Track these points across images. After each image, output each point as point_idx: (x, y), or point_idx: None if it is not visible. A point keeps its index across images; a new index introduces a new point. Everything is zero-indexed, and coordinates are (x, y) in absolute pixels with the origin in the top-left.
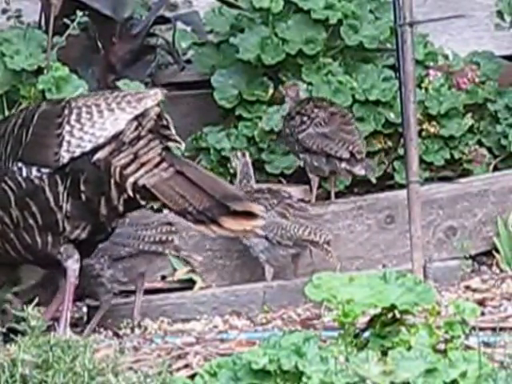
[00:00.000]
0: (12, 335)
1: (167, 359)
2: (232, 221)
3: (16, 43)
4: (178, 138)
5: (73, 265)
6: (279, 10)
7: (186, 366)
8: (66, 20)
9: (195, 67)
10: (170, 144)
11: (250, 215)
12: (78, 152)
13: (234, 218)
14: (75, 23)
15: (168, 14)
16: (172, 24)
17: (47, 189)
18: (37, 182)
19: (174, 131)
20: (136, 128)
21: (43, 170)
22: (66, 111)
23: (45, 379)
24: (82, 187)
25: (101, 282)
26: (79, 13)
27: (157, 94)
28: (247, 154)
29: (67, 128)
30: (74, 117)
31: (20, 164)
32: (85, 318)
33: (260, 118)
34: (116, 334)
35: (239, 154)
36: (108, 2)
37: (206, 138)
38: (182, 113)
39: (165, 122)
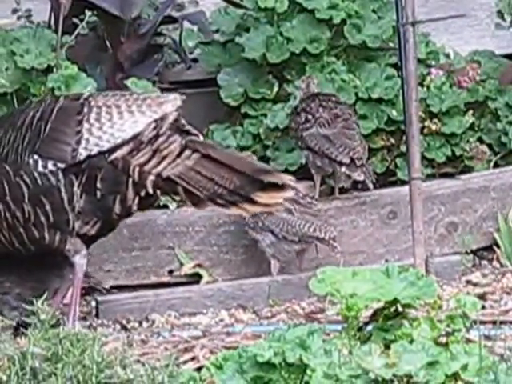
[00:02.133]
0: (22, 329)
1: (174, 352)
2: (265, 195)
3: (26, 42)
4: (196, 132)
5: (80, 260)
6: (284, 9)
7: (193, 358)
8: (74, 20)
9: (201, 66)
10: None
11: (278, 187)
12: (95, 150)
13: (266, 192)
14: (84, 23)
15: (175, 14)
16: (179, 23)
17: (61, 183)
18: (51, 176)
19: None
20: (154, 128)
21: (59, 164)
22: (86, 109)
23: (54, 372)
24: (99, 185)
25: (6, 300)
26: (88, 12)
27: (176, 100)
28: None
29: (86, 126)
30: (93, 115)
31: (36, 157)
32: (93, 312)
33: (265, 115)
34: (124, 328)
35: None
36: (116, 2)
37: (213, 136)
38: (188, 110)
39: (182, 122)
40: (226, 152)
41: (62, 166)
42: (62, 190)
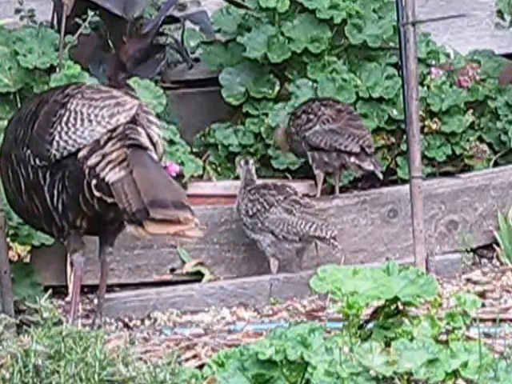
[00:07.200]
0: (25, 326)
1: (176, 350)
2: (155, 226)
3: (29, 42)
4: (143, 143)
5: (78, 258)
6: (285, 9)
7: (195, 356)
8: (77, 19)
9: (203, 65)
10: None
11: (171, 220)
12: (65, 153)
13: (157, 223)
14: (86, 23)
15: (177, 14)
16: (181, 23)
17: (46, 181)
18: (40, 172)
19: (143, 138)
20: (107, 135)
21: (43, 162)
22: (62, 111)
23: (57, 369)
24: (67, 183)
25: None
26: (90, 12)
27: (131, 110)
28: (250, 161)
29: (58, 129)
30: (65, 119)
31: (29, 152)
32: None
33: (266, 114)
34: (126, 326)
35: (242, 161)
36: (118, 2)
37: (214, 135)
38: (190, 110)
39: (137, 128)
40: (148, 173)
41: (45, 163)
42: (45, 189)
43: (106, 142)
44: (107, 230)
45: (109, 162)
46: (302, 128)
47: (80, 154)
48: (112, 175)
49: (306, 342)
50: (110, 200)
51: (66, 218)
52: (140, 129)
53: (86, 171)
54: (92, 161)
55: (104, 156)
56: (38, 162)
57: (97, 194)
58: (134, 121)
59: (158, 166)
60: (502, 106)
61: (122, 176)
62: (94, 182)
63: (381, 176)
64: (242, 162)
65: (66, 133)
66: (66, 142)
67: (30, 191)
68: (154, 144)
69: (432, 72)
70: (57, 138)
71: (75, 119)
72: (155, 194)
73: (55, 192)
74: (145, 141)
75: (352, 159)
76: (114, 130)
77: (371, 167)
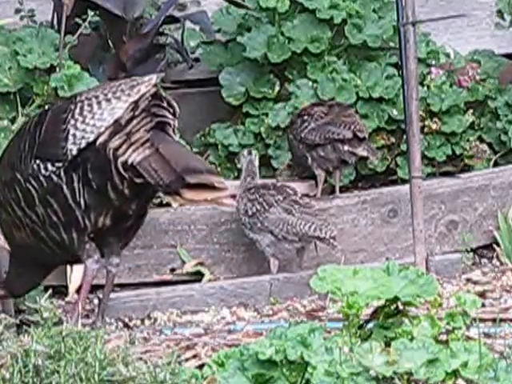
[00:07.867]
0: (25, 326)
1: (176, 350)
2: (192, 192)
3: (29, 42)
4: (168, 118)
5: (91, 265)
6: (285, 9)
7: (195, 356)
8: (77, 19)
9: (203, 65)
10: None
11: (208, 186)
12: (83, 143)
13: (193, 190)
14: (86, 23)
15: (177, 14)
16: (181, 23)
17: (63, 182)
18: (54, 177)
19: (167, 112)
20: (131, 110)
21: (57, 164)
22: (72, 106)
23: (57, 369)
24: (90, 175)
25: None
26: (90, 12)
27: (151, 80)
28: (254, 152)
29: (72, 122)
30: (77, 110)
31: (38, 161)
32: (96, 310)
33: (266, 114)
34: (126, 326)
35: (245, 152)
36: (119, 2)
37: (214, 135)
38: (190, 110)
39: (161, 103)
40: (174, 148)
41: (59, 165)
42: (64, 187)
43: (129, 122)
44: (120, 234)
45: (131, 144)
46: (298, 130)
47: (100, 140)
48: (135, 156)
49: (306, 341)
50: (138, 180)
51: (88, 216)
52: (164, 103)
53: (110, 153)
54: (115, 143)
55: (128, 135)
56: (50, 167)
57: (125, 174)
58: (155, 93)
59: (181, 144)
60: (502, 106)
61: (148, 154)
62: (120, 160)
63: (376, 161)
64: (246, 153)
65: (83, 121)
66: (83, 130)
67: (46, 197)
68: (175, 114)
69: (432, 72)
70: (72, 130)
71: (90, 105)
72: (187, 162)
73: (76, 187)
74: (170, 117)
75: (346, 147)
76: (137, 105)
77: (365, 153)
